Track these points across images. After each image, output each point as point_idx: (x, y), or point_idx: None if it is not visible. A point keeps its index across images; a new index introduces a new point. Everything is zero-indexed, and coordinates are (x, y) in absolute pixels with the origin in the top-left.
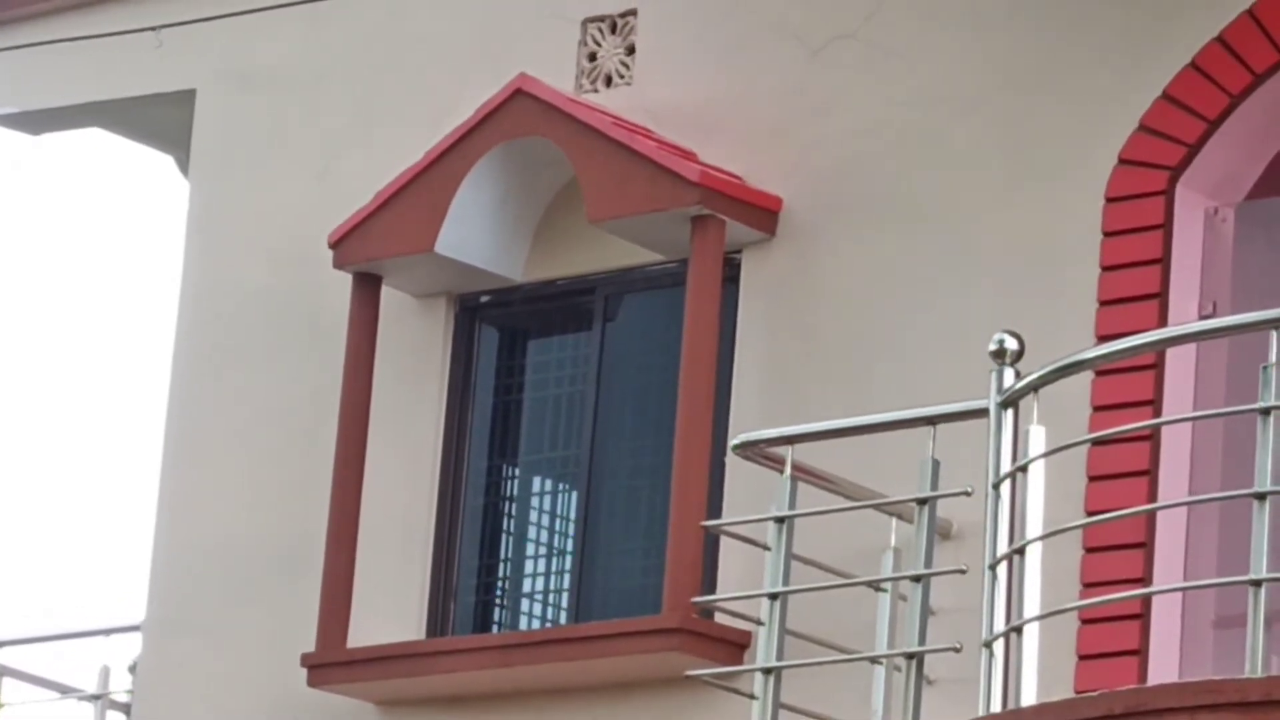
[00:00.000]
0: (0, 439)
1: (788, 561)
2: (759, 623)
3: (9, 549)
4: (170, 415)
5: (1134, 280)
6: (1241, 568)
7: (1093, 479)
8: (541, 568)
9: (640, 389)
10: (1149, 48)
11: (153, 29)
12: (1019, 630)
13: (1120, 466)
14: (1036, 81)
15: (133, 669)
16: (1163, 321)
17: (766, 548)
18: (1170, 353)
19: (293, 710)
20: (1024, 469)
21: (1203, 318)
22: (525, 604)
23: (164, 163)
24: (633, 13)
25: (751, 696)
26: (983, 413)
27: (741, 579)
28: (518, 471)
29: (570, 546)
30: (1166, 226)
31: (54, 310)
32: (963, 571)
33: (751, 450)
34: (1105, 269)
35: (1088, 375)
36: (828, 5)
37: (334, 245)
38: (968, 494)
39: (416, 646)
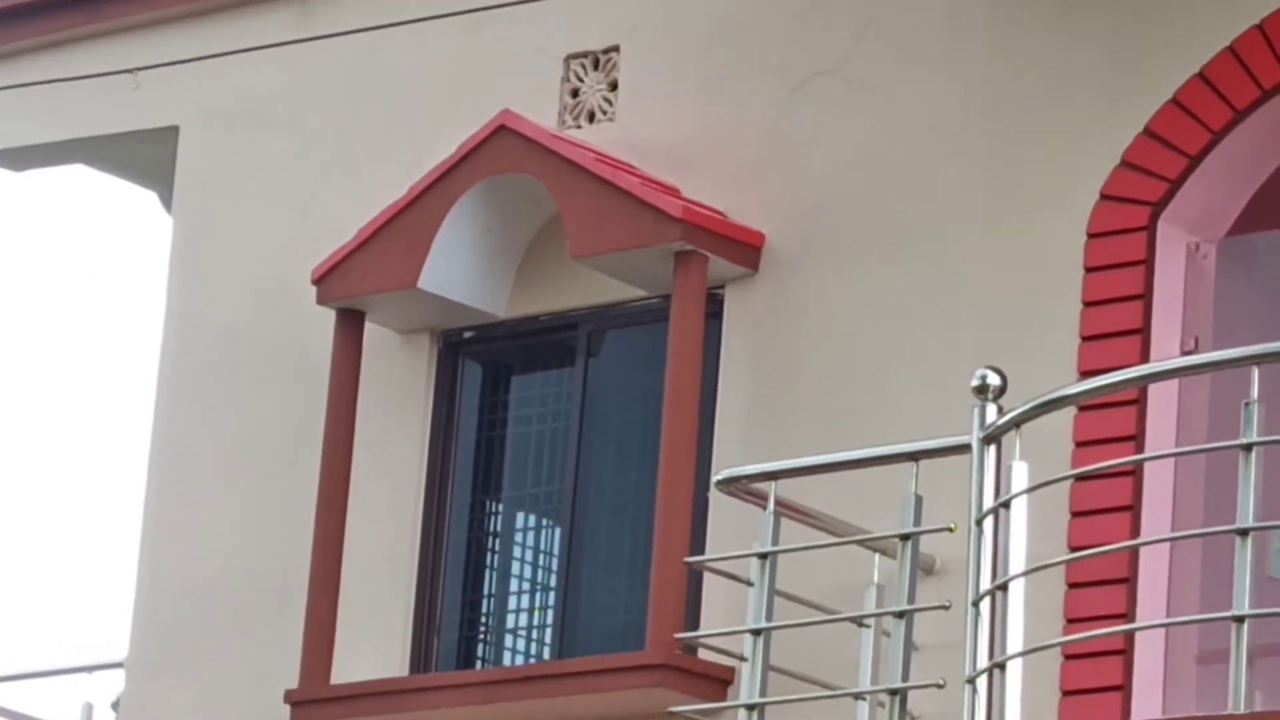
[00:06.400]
0: None
1: (771, 597)
2: (742, 659)
3: None
4: (153, 451)
5: (1116, 315)
6: (1224, 603)
7: (1075, 514)
8: (525, 603)
9: (623, 424)
10: (1130, 83)
11: (131, 71)
12: (1002, 666)
13: (1103, 502)
14: (1017, 117)
15: (116, 706)
16: (1145, 357)
17: (750, 583)
18: (1152, 388)
19: None
20: (1006, 505)
21: (1185, 353)
22: (509, 640)
23: (147, 199)
24: (615, 49)
25: None
26: (965, 448)
27: (725, 615)
28: (501, 507)
29: (554, 582)
30: (1148, 262)
31: (37, 345)
32: (946, 607)
33: (734, 486)
34: (1087, 304)
35: (1070, 411)
36: (808, 41)
37: (317, 281)
38: (950, 530)
39: (400, 683)
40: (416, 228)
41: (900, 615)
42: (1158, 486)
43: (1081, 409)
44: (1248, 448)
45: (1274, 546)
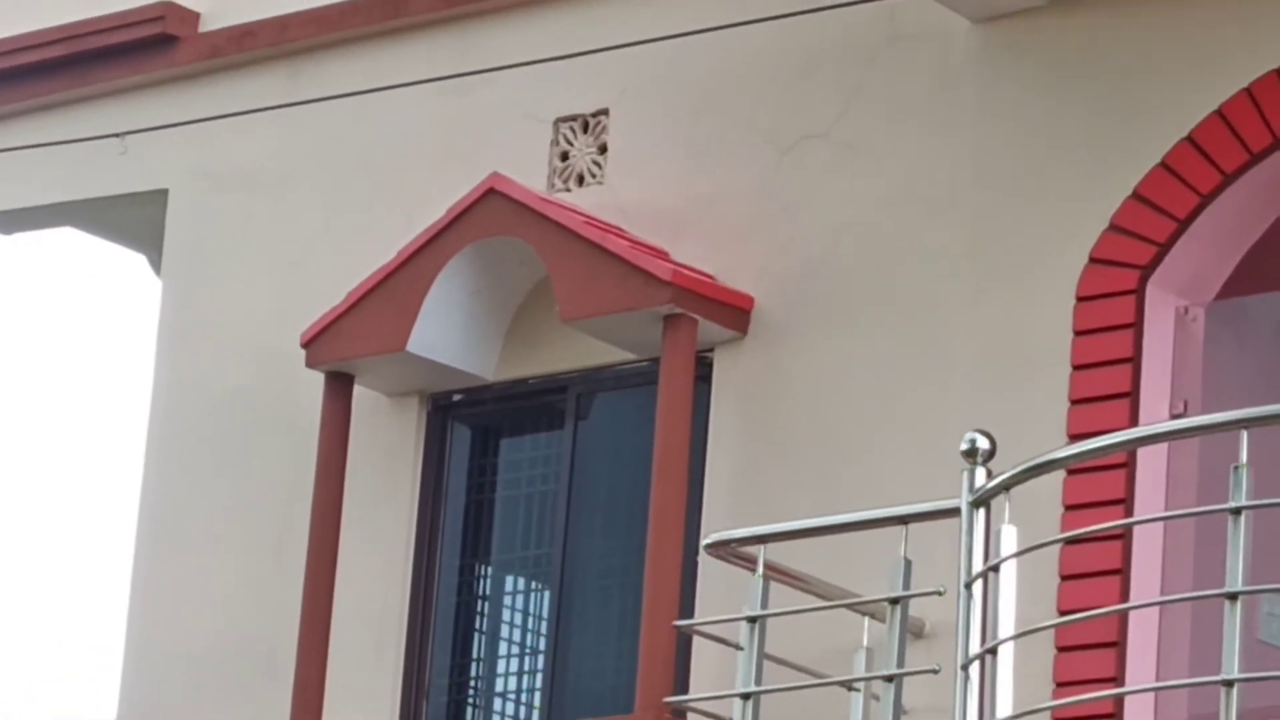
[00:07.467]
0: None
1: (760, 661)
2: None
3: None
4: (142, 515)
5: (1105, 379)
6: (1214, 667)
7: (1065, 578)
8: (514, 667)
9: (612, 488)
10: (1119, 147)
11: (119, 135)
12: None
13: (1092, 565)
14: (1007, 181)
15: None
16: (1134, 421)
17: (739, 647)
18: (1142, 452)
19: None
20: (996, 568)
21: (1174, 417)
22: (498, 703)
23: (137, 262)
24: (604, 112)
25: None
26: (954, 512)
27: (714, 678)
28: (490, 570)
29: (543, 646)
30: (1137, 325)
31: (26, 408)
32: (935, 671)
33: (723, 549)
34: (1076, 368)
35: (1059, 474)
36: (798, 105)
37: (306, 344)
38: (940, 594)
39: None
40: (405, 291)
41: (889, 679)
42: (1147, 550)
43: (1071, 472)
44: (1236, 511)
45: (1263, 610)
